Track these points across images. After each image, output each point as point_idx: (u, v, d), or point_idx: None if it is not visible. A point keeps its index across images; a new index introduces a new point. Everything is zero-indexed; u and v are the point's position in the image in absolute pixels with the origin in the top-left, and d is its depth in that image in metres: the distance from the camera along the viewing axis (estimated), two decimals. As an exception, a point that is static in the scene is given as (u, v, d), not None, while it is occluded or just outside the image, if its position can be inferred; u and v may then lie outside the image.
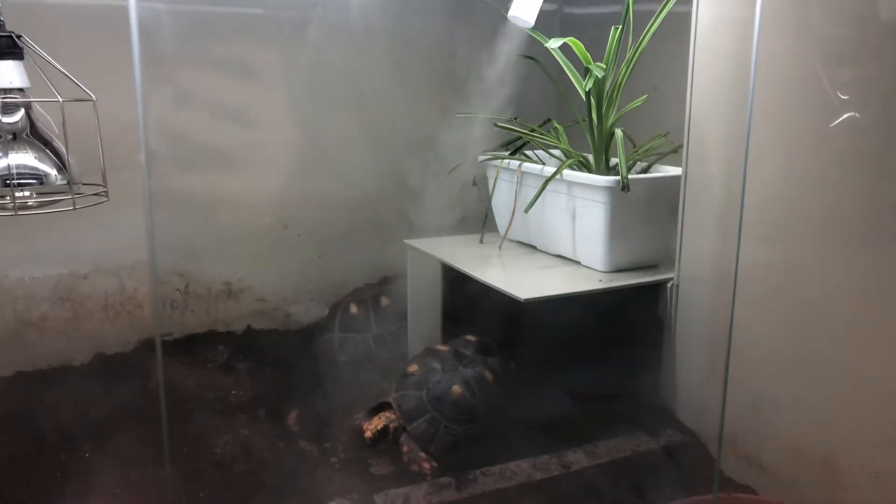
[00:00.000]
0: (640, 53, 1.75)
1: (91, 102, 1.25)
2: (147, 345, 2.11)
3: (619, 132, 1.73)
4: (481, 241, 2.08)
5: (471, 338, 1.82)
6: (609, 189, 1.68)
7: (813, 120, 1.36)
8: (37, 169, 1.23)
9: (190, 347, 2.13)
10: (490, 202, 2.08)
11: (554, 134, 1.98)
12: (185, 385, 1.92)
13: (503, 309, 1.73)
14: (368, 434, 1.64)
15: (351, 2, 2.13)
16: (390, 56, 2.26)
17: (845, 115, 1.30)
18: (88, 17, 1.86)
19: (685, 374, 1.76)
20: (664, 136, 1.85)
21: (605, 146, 1.84)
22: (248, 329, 2.26)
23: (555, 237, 1.90)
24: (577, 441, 1.68)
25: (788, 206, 1.43)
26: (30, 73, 1.24)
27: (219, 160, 2.10)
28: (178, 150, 2.02)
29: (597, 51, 1.75)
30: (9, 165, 1.20)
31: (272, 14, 2.09)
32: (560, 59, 1.84)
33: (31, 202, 1.24)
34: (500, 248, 2.03)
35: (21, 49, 1.21)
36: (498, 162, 1.99)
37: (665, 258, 1.82)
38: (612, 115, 1.81)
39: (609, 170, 1.85)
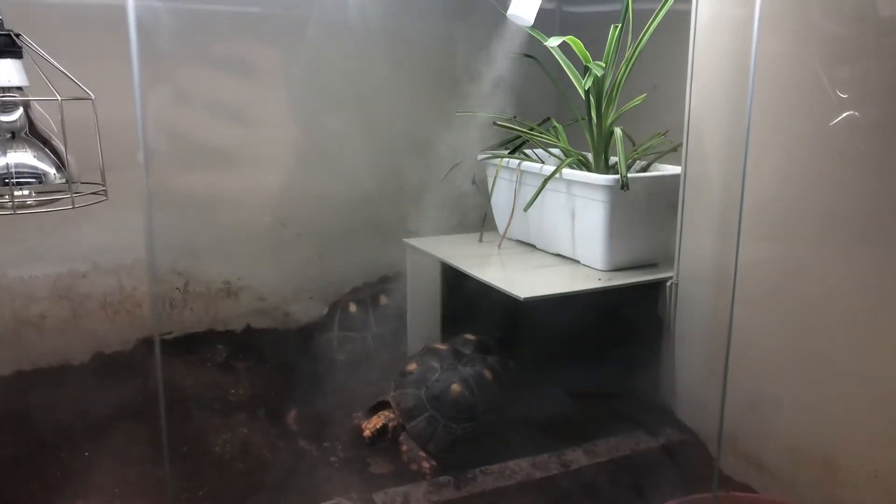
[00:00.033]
0: (640, 52, 1.75)
1: (90, 101, 1.25)
2: (146, 343, 2.11)
3: (618, 131, 1.73)
4: (480, 240, 2.08)
5: (470, 336, 1.82)
6: (608, 188, 1.68)
7: (813, 119, 1.36)
8: (36, 168, 1.23)
9: (189, 346, 2.13)
10: (489, 201, 2.08)
11: (553, 133, 1.98)
12: (184, 384, 1.92)
13: (502, 308, 1.73)
14: (367, 433, 1.64)
15: (350, 0, 2.13)
16: (390, 55, 2.25)
17: (845, 114, 1.30)
18: (87, 16, 1.85)
19: (684, 372, 1.76)
20: (663, 134, 1.85)
21: (604, 145, 1.84)
22: (248, 328, 2.26)
23: (554, 236, 1.90)
24: (577, 440, 1.68)
25: (788, 205, 1.43)
26: (28, 71, 1.24)
27: (218, 159, 2.10)
28: (178, 148, 2.02)
29: (596, 49, 1.75)
30: (7, 164, 1.20)
31: (271, 13, 2.09)
32: (559, 57, 1.84)
33: (29, 201, 1.24)
34: (499, 246, 2.03)
35: (20, 48, 1.21)
36: (497, 161, 1.99)
37: (664, 257, 1.82)
38: (612, 114, 1.81)
39: (608, 168, 1.85)
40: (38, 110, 1.26)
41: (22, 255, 1.95)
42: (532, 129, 1.97)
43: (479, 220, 2.09)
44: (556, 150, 1.99)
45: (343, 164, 2.26)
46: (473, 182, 2.14)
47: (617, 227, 1.73)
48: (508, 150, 2.02)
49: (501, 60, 1.99)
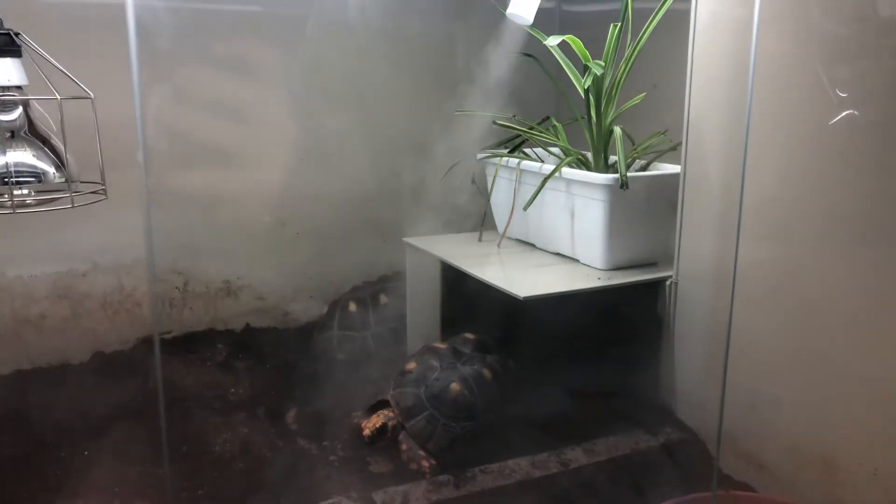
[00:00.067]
0: (639, 51, 1.75)
1: (89, 100, 1.24)
2: (146, 343, 2.11)
3: (617, 130, 1.73)
4: (480, 239, 2.08)
5: (469, 335, 1.82)
6: (608, 187, 1.68)
7: (812, 118, 1.36)
8: (35, 167, 1.23)
9: (189, 346, 2.13)
10: (489, 200, 2.08)
11: (553, 132, 1.98)
12: (183, 383, 1.92)
13: (502, 307, 1.73)
14: (367, 432, 1.64)
15: (350, 0, 2.13)
16: (389, 54, 2.25)
17: (844, 113, 1.30)
18: (87, 15, 1.85)
19: (684, 371, 1.76)
20: (663, 133, 1.85)
21: (603, 144, 1.84)
22: (247, 327, 2.26)
23: (553, 235, 1.90)
24: (576, 439, 1.68)
25: (788, 204, 1.43)
26: (28, 70, 1.24)
27: (218, 158, 2.10)
28: (177, 147, 2.02)
29: (596, 48, 1.75)
30: (7, 163, 1.20)
31: (271, 12, 2.08)
32: (559, 56, 1.84)
33: (29, 200, 1.24)
34: (498, 246, 2.03)
35: (19, 47, 1.21)
36: (497, 160, 1.99)
37: (664, 256, 1.82)
38: (611, 113, 1.81)
39: (608, 168, 1.85)
40: (37, 109, 1.26)
41: (22, 255, 1.95)
42: (532, 128, 1.97)
43: (479, 220, 2.09)
44: (555, 149, 1.99)
45: (343, 164, 2.26)
46: (473, 181, 2.14)
47: (616, 227, 1.73)
48: (508, 150, 2.02)
49: (501, 59, 1.99)
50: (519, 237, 2.05)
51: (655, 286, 1.79)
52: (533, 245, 2.01)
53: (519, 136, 2.00)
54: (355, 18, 2.14)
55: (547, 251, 1.95)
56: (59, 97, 1.19)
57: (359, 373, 1.98)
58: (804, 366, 1.44)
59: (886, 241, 1.27)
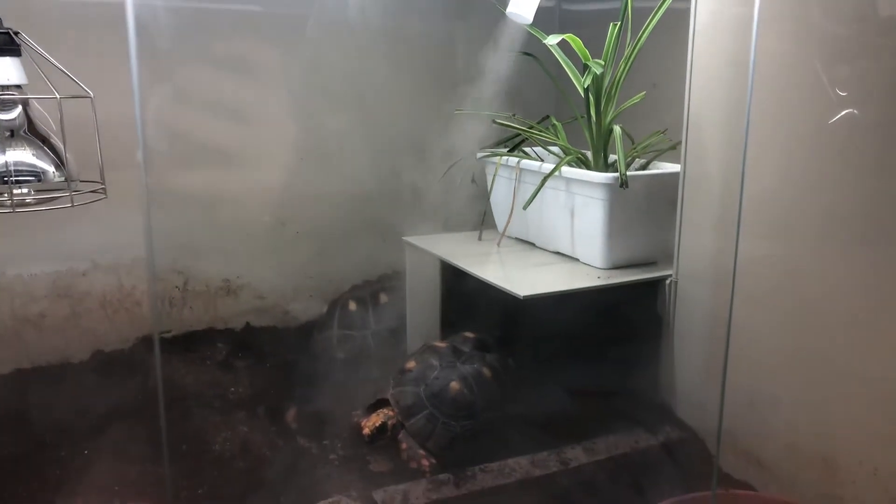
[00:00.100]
0: (639, 50, 1.75)
1: (89, 99, 1.24)
2: (146, 342, 2.11)
3: (617, 129, 1.73)
4: (480, 238, 2.08)
5: (469, 334, 1.82)
6: (607, 186, 1.68)
7: (812, 117, 1.36)
8: (35, 166, 1.23)
9: (189, 345, 2.13)
10: (489, 199, 2.08)
11: (552, 131, 1.98)
12: (183, 382, 1.92)
13: (501, 305, 1.73)
14: (367, 431, 1.64)
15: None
16: (389, 53, 2.25)
17: (844, 112, 1.30)
18: (86, 14, 1.85)
19: (684, 370, 1.76)
20: (663, 132, 1.85)
21: (603, 143, 1.84)
22: (247, 326, 2.26)
23: (553, 234, 1.90)
24: (576, 438, 1.68)
25: (787, 203, 1.43)
26: (27, 69, 1.24)
27: (217, 157, 2.10)
28: (177, 147, 2.02)
29: (595, 47, 1.75)
30: (6, 162, 1.20)
31: (271, 11, 2.08)
32: (558, 55, 1.84)
33: (29, 199, 1.24)
34: (498, 244, 2.03)
35: (18, 46, 1.21)
36: (496, 159, 1.99)
37: (664, 255, 1.82)
38: (611, 112, 1.81)
39: (607, 166, 1.85)
40: (36, 108, 1.26)
41: (21, 254, 1.95)
42: (531, 128, 1.97)
43: (479, 219, 2.09)
44: (555, 149, 1.99)
45: (342, 163, 2.26)
46: (473, 180, 2.14)
47: (616, 226, 1.73)
48: (508, 149, 2.02)
49: (501, 58, 1.99)
50: (519, 236, 2.05)
51: (655, 285, 1.79)
52: (533, 244, 2.01)
53: (518, 135, 2.00)
54: (355, 18, 2.14)
55: (547, 250, 1.95)
56: (58, 96, 1.19)
57: (359, 372, 1.98)
58: (804, 365, 1.44)
59: (886, 241, 1.27)
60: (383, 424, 1.64)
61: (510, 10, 1.83)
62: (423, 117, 2.26)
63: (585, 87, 1.74)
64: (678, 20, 1.66)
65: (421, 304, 2.04)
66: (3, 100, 1.20)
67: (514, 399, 1.74)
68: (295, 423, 1.77)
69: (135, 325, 2.11)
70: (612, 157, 1.85)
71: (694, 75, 1.63)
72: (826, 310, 1.39)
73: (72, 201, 1.24)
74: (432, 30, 2.29)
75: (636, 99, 1.78)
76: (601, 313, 1.76)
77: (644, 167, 1.89)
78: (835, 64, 1.31)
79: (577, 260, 1.85)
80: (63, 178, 1.25)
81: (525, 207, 1.87)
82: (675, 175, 1.72)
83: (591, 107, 1.80)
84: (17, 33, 1.21)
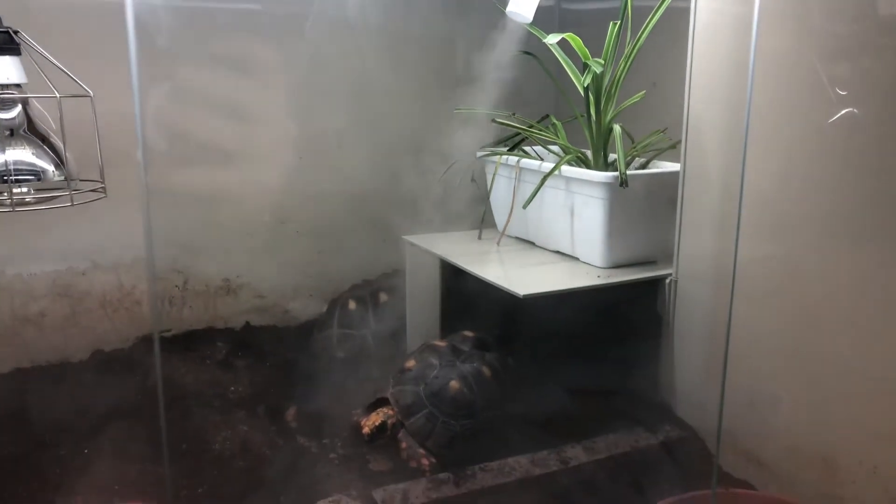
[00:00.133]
0: (639, 49, 1.75)
1: (88, 98, 1.24)
2: (145, 341, 2.11)
3: (617, 128, 1.73)
4: (480, 237, 2.08)
5: (468, 333, 1.82)
6: (607, 185, 1.67)
7: (812, 116, 1.36)
8: (34, 165, 1.23)
9: (188, 344, 2.13)
10: (488, 198, 2.08)
11: (552, 130, 1.98)
12: (183, 381, 1.92)
13: (501, 305, 1.73)
14: (366, 430, 1.64)
15: (349, -3, 2.13)
16: (389, 52, 2.25)
17: (844, 111, 1.30)
18: (86, 13, 1.85)
19: (684, 370, 1.76)
20: (662, 131, 1.85)
21: (603, 142, 1.84)
22: (247, 325, 2.26)
23: (553, 233, 1.90)
24: (576, 437, 1.68)
25: (787, 202, 1.43)
26: (27, 69, 1.23)
27: (217, 156, 2.10)
28: (176, 146, 2.02)
29: (595, 46, 1.75)
30: (6, 162, 1.20)
31: (270, 9, 2.08)
32: (558, 54, 1.84)
33: (28, 198, 1.24)
34: (498, 244, 2.03)
35: (18, 45, 1.21)
36: (496, 158, 1.99)
37: (663, 254, 1.82)
38: (611, 111, 1.81)
39: (607, 166, 1.85)
40: (36, 107, 1.26)
41: (21, 253, 1.95)
42: (531, 126, 1.97)
43: (479, 217, 2.09)
44: (555, 147, 1.99)
45: (342, 162, 2.26)
46: (472, 179, 2.14)
47: (616, 225, 1.73)
48: (507, 148, 2.02)
49: (500, 57, 1.99)
50: (518, 235, 2.05)
51: (655, 284, 1.79)
52: (532, 243, 2.01)
53: (518, 134, 2.00)
54: (355, 17, 2.14)
55: (546, 249, 1.95)
56: (58, 95, 1.18)
57: (358, 371, 1.98)
58: (804, 364, 1.44)
59: (886, 238, 1.27)
60: (383, 423, 1.64)
61: (510, 9, 1.83)
62: (423, 116, 2.26)
63: (585, 86, 1.74)
64: (678, 19, 1.66)
65: (421, 304, 2.04)
66: (3, 99, 1.20)
67: (514, 398, 1.74)
68: (295, 423, 1.77)
69: (134, 325, 2.11)
70: (611, 157, 1.85)
71: (694, 74, 1.63)
72: (826, 309, 1.39)
73: (71, 200, 1.24)
74: (432, 28, 2.29)
75: (636, 98, 1.78)
76: (601, 312, 1.76)
77: (644, 166, 1.89)
78: (835, 63, 1.31)
79: (577, 259, 1.85)
80: (63, 178, 1.25)
81: (525, 206, 1.87)
82: (674, 174, 1.72)
83: (591, 106, 1.80)
84: (16, 32, 1.21)
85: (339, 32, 2.16)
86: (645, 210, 1.76)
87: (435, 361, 1.71)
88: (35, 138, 1.24)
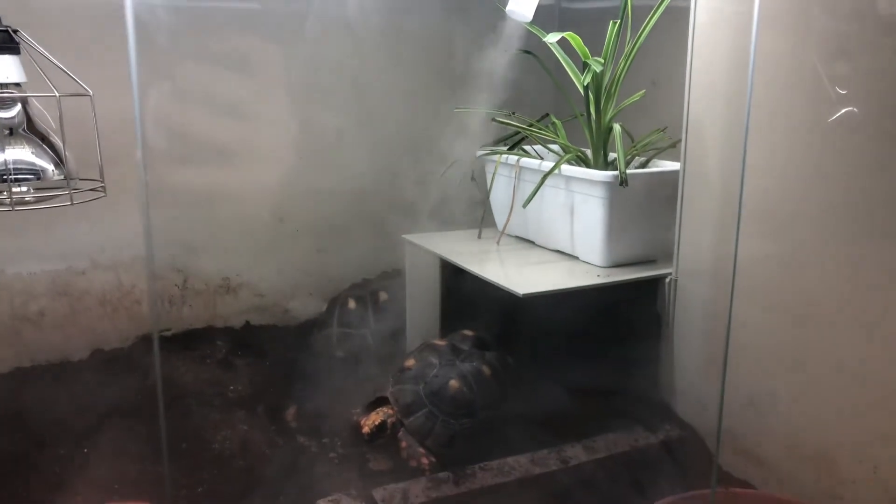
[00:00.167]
0: (639, 48, 1.75)
1: (88, 97, 1.24)
2: (145, 340, 2.11)
3: (617, 127, 1.73)
4: (479, 237, 2.08)
5: (468, 332, 1.82)
6: (607, 184, 1.67)
7: (811, 115, 1.36)
8: (34, 164, 1.23)
9: (188, 343, 2.13)
10: (488, 197, 2.08)
11: (552, 129, 1.98)
12: (183, 380, 1.92)
13: (501, 304, 1.73)
14: (366, 429, 1.64)
15: (349, -3, 2.13)
16: (388, 51, 2.25)
17: (844, 110, 1.30)
18: (85, 12, 1.85)
19: (683, 369, 1.76)
20: (662, 130, 1.85)
21: (603, 141, 1.84)
22: (247, 324, 2.26)
23: (553, 232, 1.90)
24: (576, 436, 1.69)
25: (787, 201, 1.43)
26: (27, 68, 1.23)
27: (216, 155, 2.10)
28: (176, 145, 2.02)
29: (595, 45, 1.75)
30: (6, 161, 1.19)
31: (270, 8, 2.08)
32: (558, 53, 1.84)
33: (28, 197, 1.24)
34: (498, 243, 2.03)
35: (18, 44, 1.21)
36: (496, 157, 1.98)
37: (663, 253, 1.82)
38: (611, 110, 1.81)
39: (607, 165, 1.85)
40: (36, 107, 1.26)
41: (20, 252, 1.95)
42: (531, 126, 1.97)
43: (478, 217, 2.09)
44: (554, 147, 1.99)
45: (341, 160, 2.26)
46: (472, 178, 2.14)
47: (616, 224, 1.73)
48: (507, 147, 2.02)
49: (500, 56, 1.99)
50: (518, 234, 2.05)
51: (655, 283, 1.79)
52: (532, 242, 2.01)
53: (518, 133, 2.00)
54: (354, 15, 2.14)
55: (546, 248, 1.95)
56: (57, 94, 1.18)
57: (358, 370, 1.98)
58: (803, 363, 1.44)
59: (885, 237, 1.27)
60: (383, 423, 1.64)
61: (510, 8, 1.83)
62: (423, 115, 2.26)
63: (585, 85, 1.74)
64: (678, 18, 1.65)
65: (420, 303, 2.04)
66: (3, 98, 1.20)
67: (514, 397, 1.74)
68: (294, 422, 1.77)
69: (134, 324, 2.11)
70: (611, 156, 1.85)
71: (694, 73, 1.63)
72: (826, 308, 1.39)
73: (71, 199, 1.24)
74: (432, 27, 2.29)
75: (636, 97, 1.78)
76: (601, 311, 1.76)
77: (644, 165, 1.89)
78: (834, 62, 1.31)
79: (577, 258, 1.85)
80: (62, 177, 1.25)
81: (525, 205, 1.87)
82: (674, 173, 1.72)
83: (591, 105, 1.80)
84: (16, 31, 1.20)
85: (339, 32, 2.16)
86: (645, 209, 1.76)
87: (435, 360, 1.71)
88: (35, 137, 1.24)
